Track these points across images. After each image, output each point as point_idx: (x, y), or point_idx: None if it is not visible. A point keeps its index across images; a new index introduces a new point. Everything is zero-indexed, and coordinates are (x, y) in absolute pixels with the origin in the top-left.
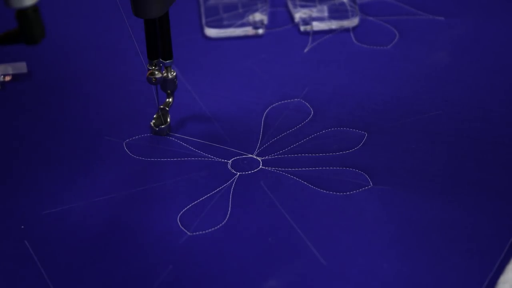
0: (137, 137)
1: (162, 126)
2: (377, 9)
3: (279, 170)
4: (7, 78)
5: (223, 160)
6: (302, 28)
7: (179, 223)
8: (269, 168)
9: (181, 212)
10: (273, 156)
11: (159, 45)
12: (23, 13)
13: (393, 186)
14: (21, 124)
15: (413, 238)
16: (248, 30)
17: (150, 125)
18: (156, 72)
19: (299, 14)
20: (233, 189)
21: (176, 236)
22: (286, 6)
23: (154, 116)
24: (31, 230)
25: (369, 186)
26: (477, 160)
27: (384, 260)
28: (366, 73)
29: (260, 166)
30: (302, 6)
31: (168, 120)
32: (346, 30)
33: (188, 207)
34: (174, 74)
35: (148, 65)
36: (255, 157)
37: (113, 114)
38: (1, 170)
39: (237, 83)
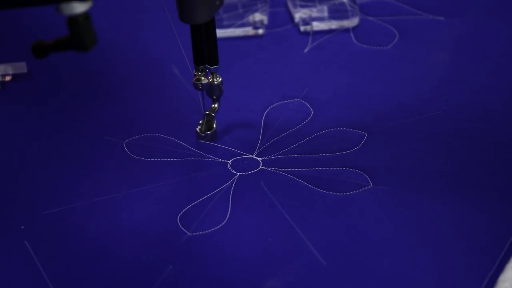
0: (137, 137)
1: (208, 132)
2: (377, 9)
3: (279, 170)
4: (7, 78)
5: (223, 160)
6: (302, 28)
7: (179, 223)
8: (269, 168)
9: (181, 212)
10: (273, 156)
11: (205, 51)
12: (74, 20)
13: (393, 186)
14: (21, 124)
15: (413, 238)
16: (248, 30)
17: (196, 131)
18: (203, 78)
19: (299, 14)
20: (233, 189)
21: (176, 236)
22: (286, 6)
23: (200, 122)
24: (31, 230)
25: (369, 186)
26: (477, 160)
27: (384, 260)
28: (366, 73)
29: (260, 166)
30: (302, 6)
31: (214, 126)
32: (346, 30)
33: (188, 207)
34: (220, 79)
35: (194, 71)
36: (255, 157)
37: (113, 114)
38: (1, 170)
39: (237, 83)
